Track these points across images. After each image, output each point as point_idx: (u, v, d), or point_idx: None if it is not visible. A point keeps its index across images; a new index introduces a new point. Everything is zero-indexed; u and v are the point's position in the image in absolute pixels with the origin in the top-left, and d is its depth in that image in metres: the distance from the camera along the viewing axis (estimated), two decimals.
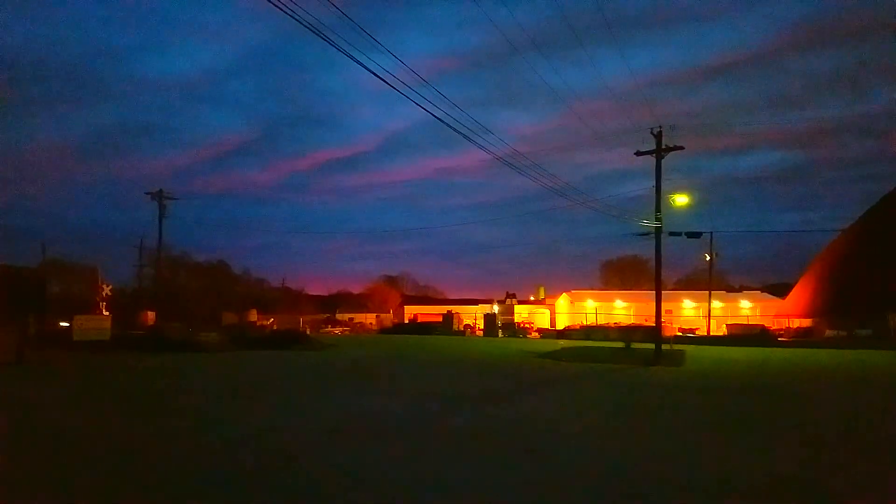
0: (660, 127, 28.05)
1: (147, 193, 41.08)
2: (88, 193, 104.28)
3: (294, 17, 10.53)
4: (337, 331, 58.44)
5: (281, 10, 10.18)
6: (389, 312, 69.85)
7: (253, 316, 48.02)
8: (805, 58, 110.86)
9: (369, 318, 66.35)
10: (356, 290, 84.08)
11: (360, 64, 12.54)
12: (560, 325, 57.95)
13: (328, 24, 11.29)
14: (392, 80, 13.69)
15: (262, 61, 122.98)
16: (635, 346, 32.09)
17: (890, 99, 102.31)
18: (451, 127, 16.94)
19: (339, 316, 66.05)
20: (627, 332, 42.15)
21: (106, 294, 35.96)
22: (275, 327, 45.71)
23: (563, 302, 64.01)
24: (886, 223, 47.98)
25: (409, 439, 9.62)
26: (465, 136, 18.37)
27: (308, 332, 43.36)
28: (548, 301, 68.26)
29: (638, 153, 28.57)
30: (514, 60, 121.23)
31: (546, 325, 60.22)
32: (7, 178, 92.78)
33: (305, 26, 10.92)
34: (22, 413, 12.33)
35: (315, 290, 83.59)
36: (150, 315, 38.34)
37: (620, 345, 33.53)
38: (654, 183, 28.16)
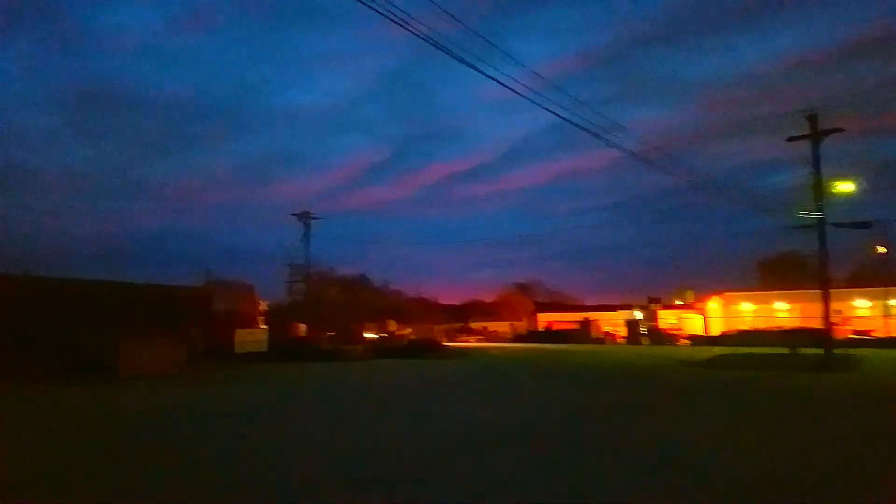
0: (813, 110, 25.22)
1: (293, 214, 44.31)
2: (242, 218, 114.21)
3: (418, 35, 10.54)
4: (472, 339, 58.85)
5: (406, 28, 10.24)
6: (523, 320, 69.18)
7: (391, 326, 49.69)
8: None
9: (503, 327, 66.12)
10: (488, 298, 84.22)
11: (487, 75, 12.34)
12: (713, 331, 53.90)
13: (452, 39, 11.26)
14: (514, 87, 13.40)
15: (390, 85, 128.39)
16: (802, 351, 28.86)
17: None
18: (581, 127, 16.24)
19: (472, 325, 66.51)
20: (792, 337, 38.08)
21: (262, 309, 38.99)
22: (412, 337, 46.95)
23: (714, 305, 59.49)
24: None
25: (553, 448, 9.15)
26: (595, 135, 17.58)
27: (443, 342, 44.01)
28: (697, 305, 63.81)
29: (791, 139, 25.87)
30: (637, 54, 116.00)
31: (696, 330, 56.31)
32: (172, 208, 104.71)
33: (431, 42, 10.92)
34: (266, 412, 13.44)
35: (448, 299, 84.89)
36: (302, 327, 40.99)
37: (784, 350, 30.32)
38: (807, 171, 25.37)
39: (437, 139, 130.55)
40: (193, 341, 25.59)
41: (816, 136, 25.03)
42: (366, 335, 43.61)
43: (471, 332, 63.69)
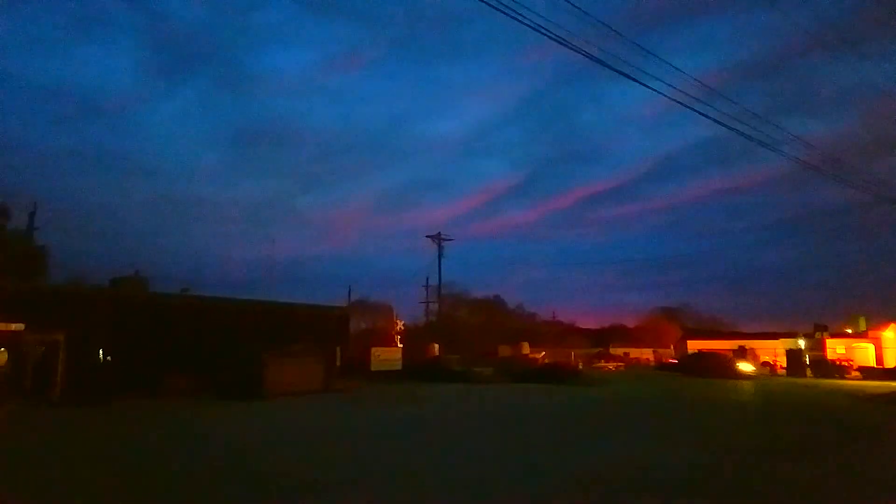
0: None
1: (427, 236, 45.50)
2: (385, 242, 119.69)
3: (577, 50, 10.30)
4: (611, 366, 56.18)
5: (564, 44, 10.02)
6: (669, 347, 64.96)
7: (525, 349, 48.87)
8: None
9: (645, 354, 62.52)
10: (630, 323, 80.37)
11: (648, 86, 11.76)
12: (889, 363, 47.00)
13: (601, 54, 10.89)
14: (666, 101, 12.68)
15: (527, 109, 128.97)
16: None
17: None
18: (746, 136, 15.00)
19: (612, 350, 63.62)
20: None
21: (399, 329, 40.19)
22: (546, 361, 45.83)
23: (891, 335, 51.97)
24: None
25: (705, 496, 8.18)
26: (761, 143, 16.15)
27: (580, 367, 42.44)
28: (871, 334, 56.08)
29: None
30: (794, 63, 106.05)
31: (868, 362, 49.41)
32: (321, 235, 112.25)
33: (589, 55, 10.60)
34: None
35: (586, 323, 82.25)
36: (435, 347, 41.64)
37: None
38: None
39: (578, 159, 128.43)
40: (333, 359, 26.82)
41: None
42: (499, 357, 43.25)
43: (610, 357, 60.91)
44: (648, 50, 11.75)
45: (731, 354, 51.39)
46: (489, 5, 9.35)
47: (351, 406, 19.91)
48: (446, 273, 47.51)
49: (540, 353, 50.79)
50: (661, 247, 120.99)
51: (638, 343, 66.44)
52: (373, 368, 31.94)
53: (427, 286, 51.64)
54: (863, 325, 58.95)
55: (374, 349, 33.44)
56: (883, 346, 52.09)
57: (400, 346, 38.09)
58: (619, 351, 63.48)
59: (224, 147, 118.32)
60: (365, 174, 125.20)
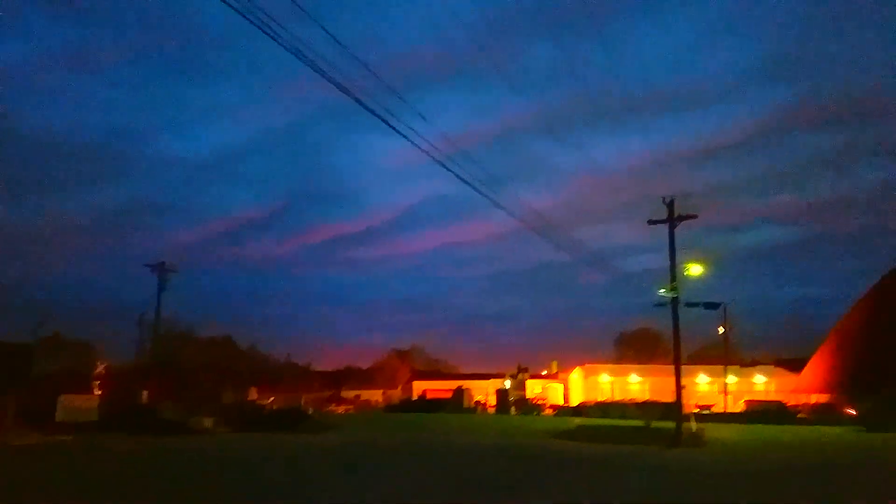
0: (672, 196, 27.42)
1: (147, 266, 40.39)
2: (99, 271, 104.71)
3: (331, 80, 9.92)
4: (341, 409, 56.12)
5: (317, 70, 9.56)
6: (398, 388, 67.50)
7: (253, 394, 46.24)
8: (799, 139, 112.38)
9: (376, 395, 63.94)
10: (365, 364, 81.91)
11: (394, 127, 11.88)
12: (574, 401, 55.45)
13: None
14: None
15: (279, 141, 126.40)
16: (655, 424, 30.04)
17: (880, 178, 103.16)
18: (479, 191, 16.27)
19: (344, 393, 63.73)
20: (646, 410, 39.84)
21: (99, 371, 34.68)
22: (275, 406, 43.84)
23: (576, 376, 61.63)
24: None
25: None
26: (496, 204, 17.63)
27: (310, 411, 41.48)
28: (561, 375, 65.80)
29: (651, 222, 27.83)
30: (521, 139, 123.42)
31: (560, 400, 57.68)
32: (18, 256, 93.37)
33: (343, 89, 10.29)
34: None
35: (324, 365, 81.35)
36: (144, 394, 36.85)
37: (639, 423, 31.41)
38: (666, 254, 27.28)
39: (325, 200, 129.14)
40: (4, 406, 21.77)
41: (673, 220, 27.06)
42: (224, 404, 40.00)
43: (341, 400, 60.82)
44: (402, 97, 12.19)
45: (451, 395, 55.45)
46: (247, 19, 8.71)
47: None
48: (171, 308, 42.83)
49: (269, 398, 48.42)
50: (399, 291, 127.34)
51: (370, 384, 67.72)
52: (59, 418, 26.73)
53: (140, 322, 45.75)
54: (555, 368, 68.94)
55: (63, 396, 28.12)
56: (570, 386, 61.40)
57: (98, 392, 32.77)
58: (351, 393, 63.93)
59: None
60: (81, 189, 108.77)
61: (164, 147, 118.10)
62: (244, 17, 8.75)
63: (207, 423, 29.77)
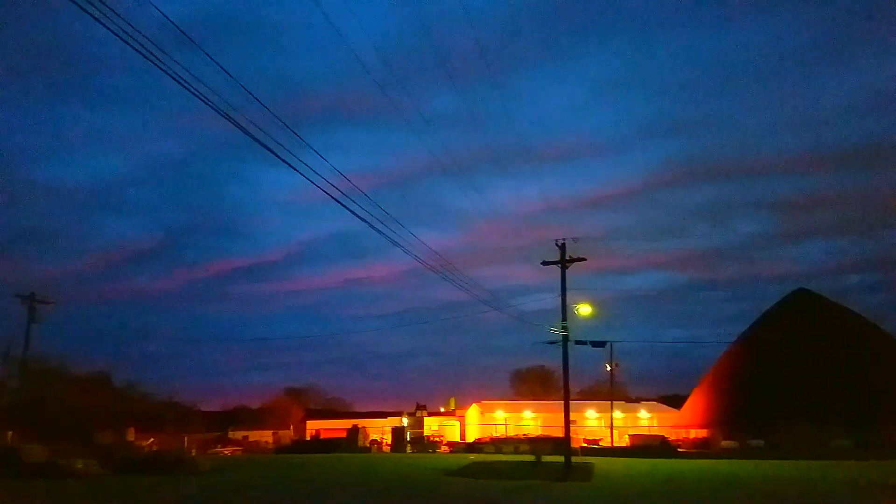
0: (563, 240, 29.25)
1: (17, 296, 37.12)
2: None
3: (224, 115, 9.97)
4: (227, 451, 53.34)
5: (206, 103, 9.61)
6: (289, 428, 65.08)
7: (131, 435, 43.15)
8: (676, 192, 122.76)
9: (266, 436, 61.32)
10: (256, 404, 78.31)
11: (287, 162, 12.04)
12: (470, 437, 56.07)
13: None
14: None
15: (167, 172, 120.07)
16: (545, 458, 31.17)
17: (755, 230, 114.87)
18: (375, 228, 16.47)
19: (231, 434, 60.67)
20: (537, 445, 41.17)
21: None
22: (154, 447, 41.09)
23: (473, 413, 62.46)
24: (771, 338, 51.84)
25: None
26: (393, 242, 17.92)
27: (193, 454, 39.25)
28: (458, 412, 66.37)
29: (544, 263, 29.50)
30: (423, 182, 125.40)
31: (457, 437, 58.10)
32: None
33: (229, 119, 10.37)
34: None
35: (211, 405, 76.80)
36: (8, 435, 33.54)
37: (531, 458, 32.46)
38: (558, 294, 28.96)
39: (217, 233, 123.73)
40: None
41: (564, 262, 28.84)
42: (98, 445, 37.05)
43: (227, 442, 57.80)
44: (293, 130, 12.27)
45: (346, 434, 54.38)
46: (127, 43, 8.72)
47: None
48: (42, 343, 39.45)
49: (148, 439, 45.30)
50: (294, 328, 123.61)
51: (260, 425, 64.87)
52: None
53: (8, 357, 41.64)
54: (453, 405, 69.47)
55: None
56: (466, 422, 62.04)
57: None
58: (239, 434, 60.98)
59: None
60: None
61: (44, 173, 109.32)
62: (127, 43, 8.62)
63: (79, 464, 27.55)
